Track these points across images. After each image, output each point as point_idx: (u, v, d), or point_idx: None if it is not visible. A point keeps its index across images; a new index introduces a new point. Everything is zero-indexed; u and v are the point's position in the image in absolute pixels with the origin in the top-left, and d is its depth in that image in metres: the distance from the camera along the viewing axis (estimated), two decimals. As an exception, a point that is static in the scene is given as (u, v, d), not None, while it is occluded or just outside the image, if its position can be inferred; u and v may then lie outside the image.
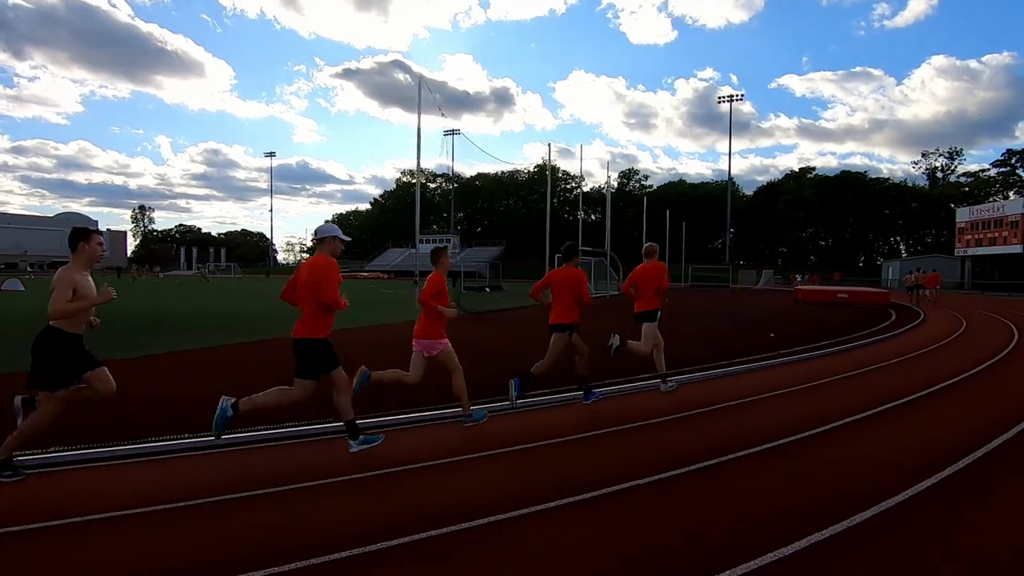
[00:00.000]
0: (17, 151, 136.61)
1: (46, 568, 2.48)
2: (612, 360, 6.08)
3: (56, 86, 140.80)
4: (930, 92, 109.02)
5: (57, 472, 3.58)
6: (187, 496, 3.21)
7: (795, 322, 15.04)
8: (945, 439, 4.53)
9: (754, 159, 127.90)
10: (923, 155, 73.48)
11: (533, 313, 17.10)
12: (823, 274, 50.96)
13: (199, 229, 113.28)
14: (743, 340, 10.71)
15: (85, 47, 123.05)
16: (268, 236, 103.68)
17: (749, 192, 77.90)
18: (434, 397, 5.30)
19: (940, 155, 71.63)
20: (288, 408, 4.14)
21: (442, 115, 36.43)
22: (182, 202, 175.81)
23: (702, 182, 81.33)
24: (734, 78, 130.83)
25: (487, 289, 31.30)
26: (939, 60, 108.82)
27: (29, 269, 49.50)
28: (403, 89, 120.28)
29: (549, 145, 20.23)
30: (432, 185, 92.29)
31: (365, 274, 61.92)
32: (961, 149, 71.90)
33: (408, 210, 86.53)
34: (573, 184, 79.60)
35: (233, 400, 3.68)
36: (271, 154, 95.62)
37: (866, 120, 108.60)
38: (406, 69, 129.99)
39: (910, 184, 69.52)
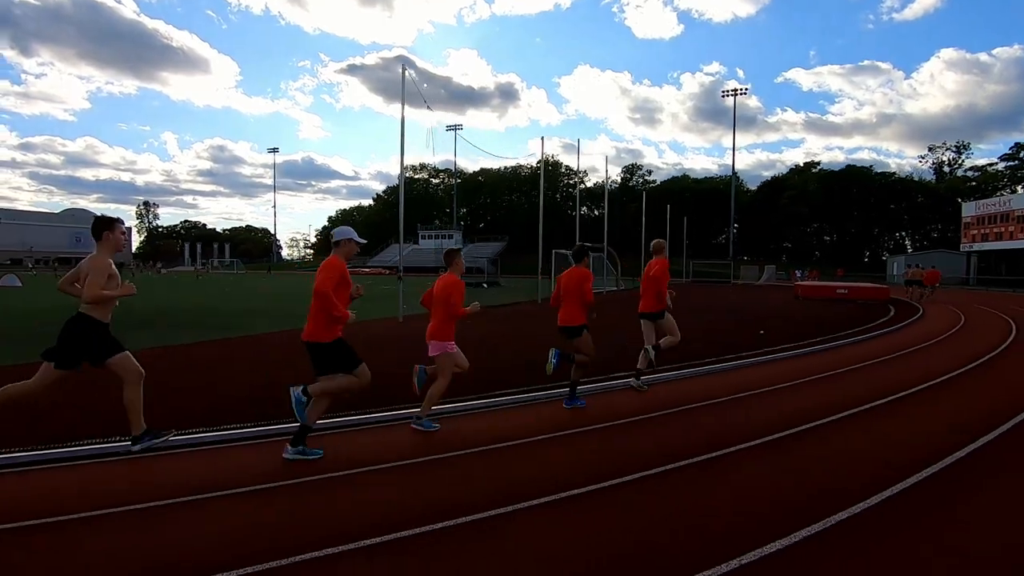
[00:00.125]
0: (25, 148, 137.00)
1: (46, 565, 2.50)
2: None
3: (63, 83, 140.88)
4: (939, 86, 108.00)
5: (52, 469, 3.62)
6: (173, 493, 3.25)
7: (794, 319, 15.01)
8: (939, 433, 4.53)
9: (760, 154, 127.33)
10: (930, 149, 72.95)
11: (531, 309, 17.15)
12: (827, 270, 50.73)
13: (204, 225, 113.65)
14: (742, 336, 10.70)
15: (92, 44, 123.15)
16: (272, 232, 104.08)
17: (755, 187, 77.55)
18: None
19: (947, 149, 71.07)
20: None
21: (428, 108, 35.98)
22: (188, 198, 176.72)
23: (705, 177, 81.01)
24: (740, 72, 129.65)
25: (484, 285, 31.32)
26: (948, 53, 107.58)
27: (31, 265, 49.62)
28: (408, 85, 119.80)
29: (542, 139, 20.26)
30: (435, 180, 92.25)
31: (367, 270, 62.04)
32: (968, 143, 71.45)
33: (412, 206, 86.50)
34: (576, 179, 79.38)
35: (303, 386, 3.75)
36: (274, 150, 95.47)
37: (874, 114, 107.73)
38: (410, 64, 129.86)
39: (916, 178, 69.07)
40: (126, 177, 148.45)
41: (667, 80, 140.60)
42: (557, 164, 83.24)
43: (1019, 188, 54.68)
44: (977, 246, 43.32)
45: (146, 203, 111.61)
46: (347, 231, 4.05)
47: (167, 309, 15.15)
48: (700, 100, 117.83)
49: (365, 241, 4.27)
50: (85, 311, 3.55)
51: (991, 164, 64.18)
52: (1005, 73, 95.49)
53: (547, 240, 21.39)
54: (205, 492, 3.23)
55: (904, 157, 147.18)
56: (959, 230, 46.69)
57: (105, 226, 3.67)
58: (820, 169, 71.84)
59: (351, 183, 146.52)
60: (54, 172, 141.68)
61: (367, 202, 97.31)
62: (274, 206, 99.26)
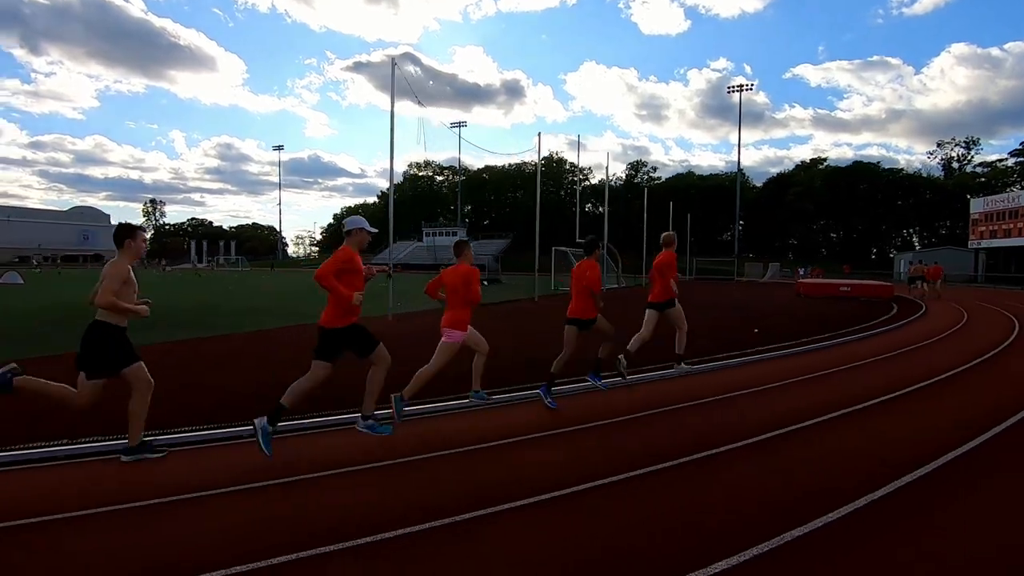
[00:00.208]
0: (35, 146, 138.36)
1: (47, 565, 2.49)
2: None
3: (72, 81, 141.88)
4: (950, 81, 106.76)
5: (52, 468, 3.63)
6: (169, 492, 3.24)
7: (796, 317, 14.90)
8: (941, 430, 4.47)
9: (768, 150, 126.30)
10: (938, 145, 72.15)
11: (529, 307, 17.09)
12: (833, 267, 50.35)
13: (211, 223, 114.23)
14: (744, 334, 10.61)
15: (100, 42, 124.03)
16: (280, 230, 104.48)
17: (762, 184, 76.99)
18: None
19: (956, 145, 70.28)
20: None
21: (419, 103, 35.54)
22: (196, 196, 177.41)
23: (711, 174, 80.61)
24: (748, 68, 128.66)
25: (485, 282, 31.30)
26: (959, 48, 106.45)
27: (35, 262, 49.89)
28: (414, 82, 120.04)
29: (539, 135, 20.05)
30: (439, 178, 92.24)
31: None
32: (978, 138, 70.36)
33: (416, 203, 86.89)
34: (581, 176, 79.16)
35: (264, 418, 3.72)
36: (279, 147, 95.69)
37: (883, 110, 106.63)
38: (416, 62, 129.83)
39: (925, 175, 68.37)
40: (134, 175, 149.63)
41: (674, 76, 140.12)
42: (562, 161, 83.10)
43: (1029, 184, 54.04)
44: (985, 243, 42.86)
45: (153, 201, 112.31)
46: (358, 220, 4.09)
47: (167, 309, 15.19)
48: (707, 96, 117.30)
49: (376, 230, 4.33)
50: (101, 318, 3.52)
51: (1001, 160, 63.45)
52: (1017, 68, 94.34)
53: (552, 237, 21.30)
54: (197, 491, 3.21)
55: (914, 153, 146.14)
56: (968, 227, 46.20)
57: (127, 233, 3.70)
58: (827, 165, 71.27)
59: (357, 180, 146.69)
60: (64, 170, 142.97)
61: (371, 199, 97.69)
62: (279, 203, 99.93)
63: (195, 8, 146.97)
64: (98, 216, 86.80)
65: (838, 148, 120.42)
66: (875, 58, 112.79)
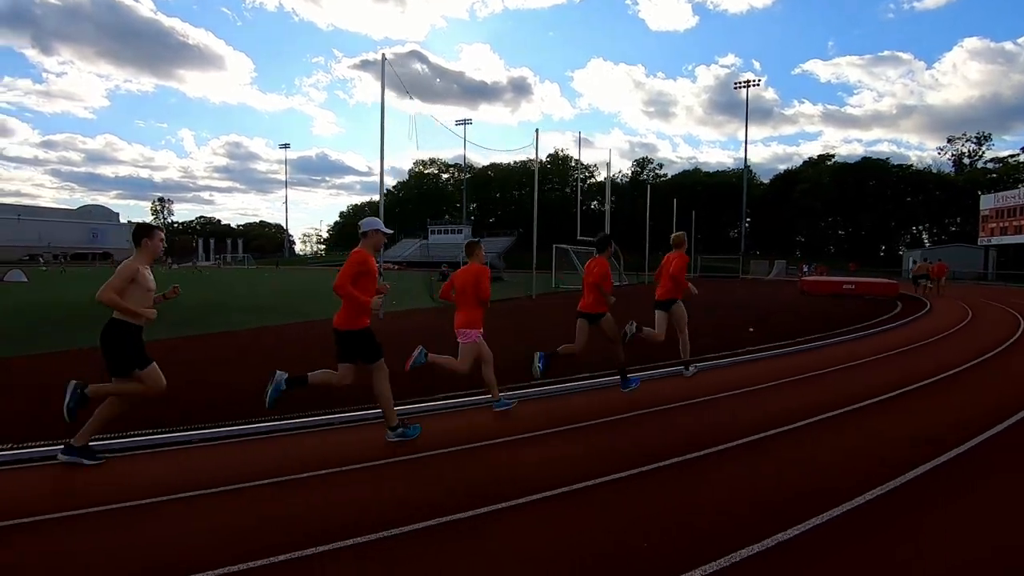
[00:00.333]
0: (47, 145, 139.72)
1: (47, 565, 2.50)
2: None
3: (83, 81, 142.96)
4: (962, 76, 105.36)
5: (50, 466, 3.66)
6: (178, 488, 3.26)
7: (799, 315, 14.81)
8: (943, 428, 4.42)
9: (777, 147, 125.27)
10: (949, 140, 71.31)
11: (528, 305, 17.06)
12: (841, 264, 49.93)
13: (219, 221, 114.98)
14: (746, 332, 10.56)
15: (110, 42, 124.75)
16: (286, 228, 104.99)
17: (769, 181, 76.40)
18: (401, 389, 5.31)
19: (967, 140, 69.41)
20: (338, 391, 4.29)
21: (410, 97, 35.63)
22: (205, 194, 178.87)
23: (717, 171, 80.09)
24: (757, 64, 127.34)
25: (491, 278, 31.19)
26: (972, 42, 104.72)
27: (41, 260, 50.04)
28: (420, 80, 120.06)
29: (537, 131, 19.89)
30: (445, 176, 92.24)
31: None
32: (990, 134, 69.40)
33: (421, 201, 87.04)
34: (587, 174, 78.98)
35: (287, 375, 3.90)
36: (285, 145, 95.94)
37: (894, 106, 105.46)
38: (423, 59, 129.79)
39: (935, 171, 67.51)
40: (144, 174, 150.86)
41: (682, 73, 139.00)
42: (567, 158, 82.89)
43: (1041, 180, 53.32)
44: (996, 240, 42.36)
45: (161, 199, 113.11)
46: (374, 222, 4.13)
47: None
48: (715, 93, 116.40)
49: (391, 231, 4.34)
50: (118, 316, 3.54)
51: (1013, 155, 62.64)
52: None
53: (557, 235, 21.23)
54: (189, 490, 3.23)
55: (925, 149, 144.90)
56: (978, 224, 45.65)
57: (144, 233, 3.73)
58: (834, 162, 70.59)
59: (365, 178, 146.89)
60: (75, 169, 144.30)
61: (376, 197, 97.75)
62: (286, 202, 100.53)
63: (204, 7, 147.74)
64: (107, 215, 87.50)
65: (848, 144, 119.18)
66: (886, 53, 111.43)
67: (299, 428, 4.43)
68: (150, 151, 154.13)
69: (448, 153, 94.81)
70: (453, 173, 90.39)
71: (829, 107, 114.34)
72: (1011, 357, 7.96)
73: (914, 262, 25.22)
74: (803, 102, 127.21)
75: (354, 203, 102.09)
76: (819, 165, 70.36)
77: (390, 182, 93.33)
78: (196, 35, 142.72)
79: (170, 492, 3.19)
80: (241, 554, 2.51)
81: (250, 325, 10.87)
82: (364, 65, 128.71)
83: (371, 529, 2.75)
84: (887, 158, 68.06)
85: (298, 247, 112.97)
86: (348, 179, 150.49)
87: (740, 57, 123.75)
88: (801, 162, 75.20)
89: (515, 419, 4.78)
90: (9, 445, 3.85)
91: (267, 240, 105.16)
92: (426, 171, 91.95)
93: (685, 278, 6.33)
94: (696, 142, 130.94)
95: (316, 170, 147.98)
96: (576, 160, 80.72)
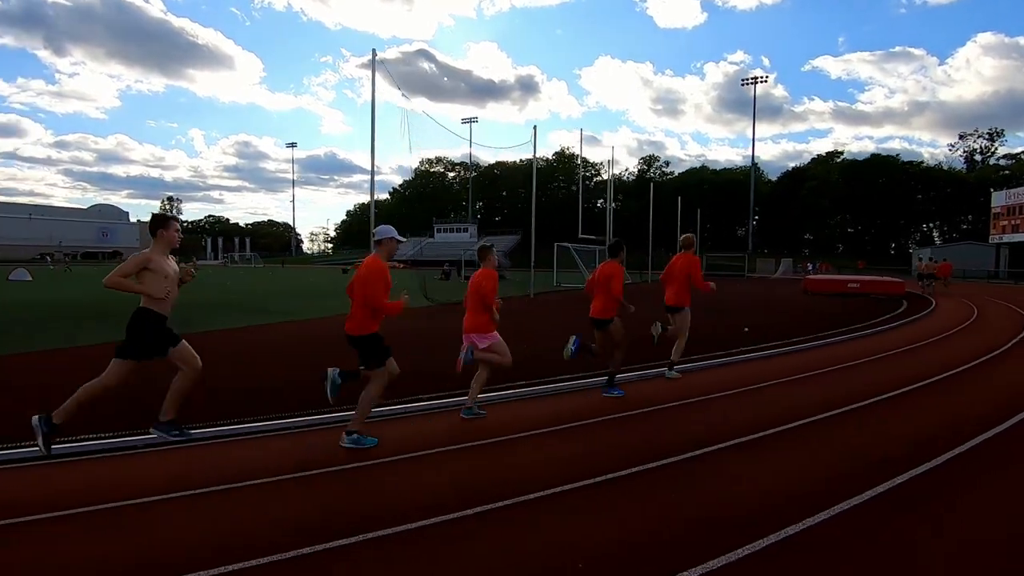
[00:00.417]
0: (60, 145, 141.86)
1: (47, 564, 2.47)
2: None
3: (95, 81, 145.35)
4: (976, 71, 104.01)
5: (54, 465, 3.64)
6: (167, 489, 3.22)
7: (797, 315, 14.60)
8: (944, 427, 4.30)
9: (786, 144, 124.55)
10: (961, 137, 70.26)
11: (525, 304, 16.96)
12: (849, 263, 49.34)
13: (227, 220, 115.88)
14: (736, 332, 10.40)
15: (121, 43, 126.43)
16: (293, 226, 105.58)
17: (776, 178, 75.62)
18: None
19: (979, 136, 68.34)
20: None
21: (403, 95, 35.35)
22: (215, 193, 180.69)
23: (724, 168, 79.44)
24: (766, 61, 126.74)
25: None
26: (986, 38, 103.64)
27: (49, 259, 50.35)
28: (428, 78, 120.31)
29: (535, 128, 19.73)
30: (451, 174, 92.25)
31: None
32: (1002, 130, 68.14)
33: (427, 200, 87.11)
34: (592, 171, 78.71)
35: (338, 370, 3.96)
36: (292, 145, 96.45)
37: (906, 102, 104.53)
38: (430, 58, 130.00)
39: (947, 167, 66.48)
40: (155, 173, 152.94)
41: (690, 70, 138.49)
42: (573, 157, 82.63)
43: (1055, 177, 52.34)
44: (1008, 238, 41.64)
45: (170, 198, 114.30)
46: (389, 230, 4.16)
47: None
48: (724, 90, 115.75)
49: (405, 240, 4.40)
50: (144, 304, 3.64)
51: (1027, 152, 61.51)
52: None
53: (563, 233, 21.08)
54: (186, 490, 3.19)
55: (938, 146, 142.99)
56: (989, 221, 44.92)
57: (160, 224, 3.78)
58: (843, 159, 69.72)
59: (374, 177, 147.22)
60: (87, 169, 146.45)
61: (383, 196, 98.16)
62: (292, 200, 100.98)
63: (213, 7, 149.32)
64: (117, 214, 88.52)
65: (859, 142, 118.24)
66: (897, 49, 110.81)
67: (285, 429, 4.37)
68: (161, 151, 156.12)
69: (455, 152, 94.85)
70: (459, 172, 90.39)
71: (840, 104, 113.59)
72: (1013, 358, 7.74)
73: (919, 260, 24.88)
74: (813, 99, 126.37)
75: (361, 201, 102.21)
76: (828, 162, 69.50)
77: (397, 180, 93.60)
78: (205, 35, 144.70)
79: (162, 492, 3.15)
80: (241, 552, 2.49)
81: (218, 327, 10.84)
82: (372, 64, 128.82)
83: (355, 531, 2.72)
84: (897, 155, 67.16)
85: (306, 246, 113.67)
86: (356, 178, 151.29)
87: (749, 54, 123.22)
88: (810, 159, 74.43)
89: (512, 419, 4.71)
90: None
91: (274, 239, 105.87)
92: (432, 170, 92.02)
93: (702, 278, 6.43)
94: (705, 140, 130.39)
95: (325, 169, 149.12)
96: (582, 158, 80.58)
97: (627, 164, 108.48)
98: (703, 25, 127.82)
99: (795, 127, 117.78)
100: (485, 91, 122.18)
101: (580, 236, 23.84)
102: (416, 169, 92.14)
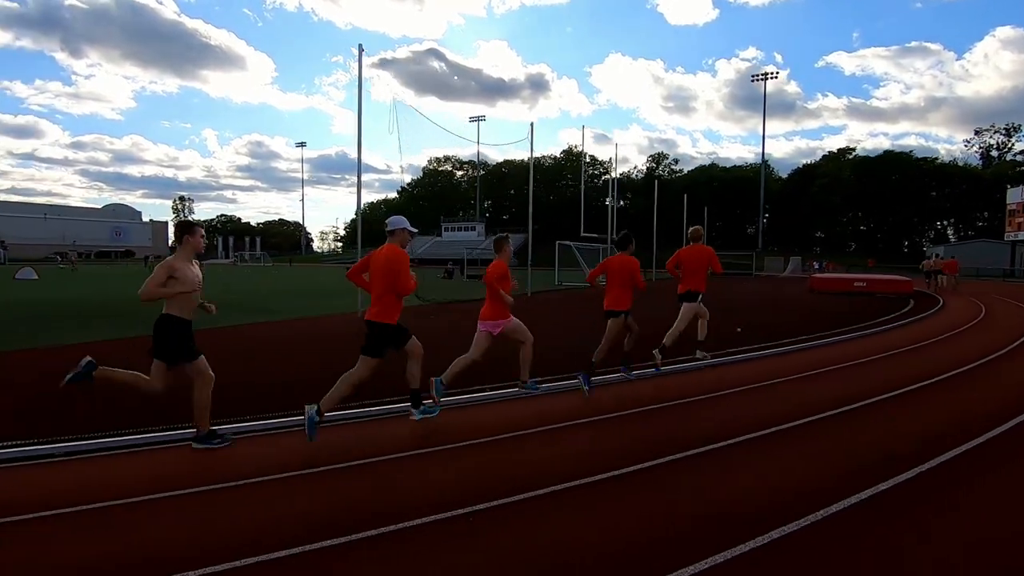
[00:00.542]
0: (76, 146, 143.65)
1: (46, 564, 2.46)
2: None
3: (110, 83, 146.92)
4: (994, 66, 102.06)
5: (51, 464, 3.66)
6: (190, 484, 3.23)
7: (806, 311, 14.41)
8: (947, 425, 4.24)
9: (799, 141, 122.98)
10: (976, 132, 68.98)
11: (527, 303, 16.89)
12: (860, 261, 48.67)
13: (239, 219, 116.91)
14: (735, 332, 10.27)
15: (135, 44, 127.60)
16: (303, 225, 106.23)
17: (787, 175, 74.72)
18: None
19: (996, 132, 67.05)
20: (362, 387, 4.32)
21: (394, 98, 35.08)
22: (228, 193, 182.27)
23: (734, 166, 78.69)
24: (779, 57, 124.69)
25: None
26: (1005, 31, 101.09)
27: (59, 258, 50.82)
28: (438, 77, 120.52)
29: (532, 125, 19.75)
30: (459, 173, 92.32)
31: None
32: (1020, 125, 66.72)
33: (435, 198, 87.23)
34: (601, 169, 78.34)
35: (316, 406, 3.89)
36: (302, 144, 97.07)
37: (922, 98, 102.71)
38: (440, 57, 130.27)
39: (962, 164, 65.31)
40: (169, 173, 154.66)
41: (701, 67, 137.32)
42: (581, 155, 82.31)
43: (1074, 173, 51.17)
44: (1023, 235, 40.80)
45: (181, 198, 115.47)
46: (400, 220, 4.30)
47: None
48: (736, 87, 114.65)
49: (416, 231, 4.53)
50: (167, 310, 3.72)
51: (1044, 147, 60.21)
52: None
53: (568, 232, 20.99)
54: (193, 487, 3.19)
55: (955, 143, 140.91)
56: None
57: (185, 230, 3.90)
58: (855, 155, 68.69)
59: (383, 176, 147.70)
60: (103, 169, 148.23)
61: (392, 195, 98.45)
62: (302, 199, 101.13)
63: (225, 8, 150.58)
64: (130, 213, 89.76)
65: (874, 138, 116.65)
66: (913, 44, 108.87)
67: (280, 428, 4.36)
68: (175, 151, 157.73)
69: (464, 151, 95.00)
70: (467, 170, 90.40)
71: (854, 100, 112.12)
72: (1019, 356, 7.57)
73: (927, 258, 24.52)
74: (827, 95, 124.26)
75: (370, 200, 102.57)
76: (839, 159, 68.49)
77: (406, 179, 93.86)
78: (218, 36, 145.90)
79: (156, 492, 3.15)
80: (240, 551, 2.50)
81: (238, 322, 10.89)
82: (383, 64, 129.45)
83: (361, 527, 2.72)
84: (911, 151, 66.02)
85: (316, 244, 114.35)
86: (367, 177, 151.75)
87: (761, 50, 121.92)
88: (822, 156, 73.45)
89: (518, 416, 4.70)
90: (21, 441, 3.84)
91: (285, 238, 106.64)
92: (440, 168, 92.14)
93: (720, 265, 6.54)
94: (716, 137, 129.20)
95: (336, 168, 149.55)
96: (591, 156, 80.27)
97: (636, 161, 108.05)
98: (714, 22, 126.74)
99: (809, 124, 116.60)
100: (495, 90, 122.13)
101: (582, 234, 23.72)
102: (425, 168, 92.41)
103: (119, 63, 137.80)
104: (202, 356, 3.81)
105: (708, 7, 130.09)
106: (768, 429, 4.28)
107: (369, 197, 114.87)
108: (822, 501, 2.98)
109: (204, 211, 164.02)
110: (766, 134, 61.25)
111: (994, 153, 66.63)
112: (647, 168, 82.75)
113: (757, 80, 67.15)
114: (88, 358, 3.74)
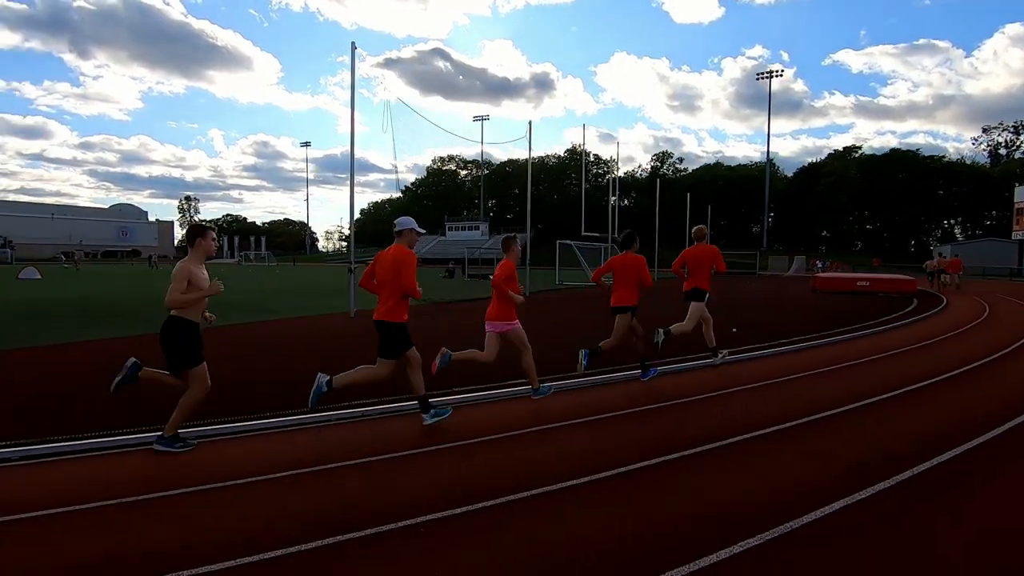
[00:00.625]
0: (84, 147, 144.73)
1: (46, 564, 2.46)
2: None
3: (117, 83, 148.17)
4: (1003, 64, 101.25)
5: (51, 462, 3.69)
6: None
7: (808, 311, 14.34)
8: (948, 425, 4.24)
9: (806, 140, 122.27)
10: (984, 130, 68.43)
11: (526, 303, 16.85)
12: (865, 260, 48.36)
13: (244, 219, 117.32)
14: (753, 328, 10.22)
15: (142, 45, 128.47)
16: (308, 225, 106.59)
17: (792, 174, 74.29)
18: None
19: (1004, 130, 66.48)
20: (375, 386, 4.45)
21: (389, 98, 35.39)
22: (235, 193, 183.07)
23: (739, 164, 78.34)
24: (785, 55, 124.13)
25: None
26: (1014, 28, 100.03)
27: (63, 258, 50.84)
28: (443, 77, 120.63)
29: (530, 123, 19.72)
30: (463, 172, 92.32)
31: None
32: (1029, 123, 66.18)
33: (439, 198, 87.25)
34: (605, 169, 78.18)
35: (328, 377, 4.04)
36: (306, 144, 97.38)
37: (930, 96, 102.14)
38: (445, 56, 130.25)
39: (970, 162, 64.75)
40: (176, 173, 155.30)
41: (707, 66, 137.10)
42: (585, 153, 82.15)
43: (1083, 171, 50.65)
44: (1031, 234, 40.45)
45: (187, 198, 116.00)
46: (408, 221, 4.32)
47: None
48: (742, 86, 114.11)
49: (424, 231, 4.58)
50: (175, 313, 3.72)
51: (1053, 146, 59.65)
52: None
53: (572, 231, 20.96)
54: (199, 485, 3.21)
55: (963, 141, 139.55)
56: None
57: (198, 233, 3.90)
58: (861, 154, 68.25)
59: (388, 176, 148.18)
60: (111, 169, 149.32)
61: (396, 195, 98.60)
62: (306, 199, 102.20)
63: (232, 9, 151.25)
64: (136, 213, 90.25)
65: (881, 136, 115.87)
66: (921, 41, 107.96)
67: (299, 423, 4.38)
68: (182, 151, 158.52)
69: (467, 150, 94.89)
70: (471, 170, 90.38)
71: (861, 98, 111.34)
72: (1015, 361, 7.50)
73: (931, 258, 24.36)
74: (834, 93, 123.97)
75: (375, 200, 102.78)
76: (845, 157, 68.07)
77: (411, 179, 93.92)
78: (224, 37, 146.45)
79: (153, 491, 3.16)
80: (236, 550, 2.50)
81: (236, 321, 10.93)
82: (388, 63, 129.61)
83: (370, 524, 2.73)
84: (918, 149, 65.52)
85: (321, 244, 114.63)
86: (372, 176, 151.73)
87: (768, 48, 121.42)
88: (827, 154, 73.00)
89: (522, 415, 4.72)
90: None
91: (290, 237, 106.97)
92: (444, 168, 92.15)
93: (724, 264, 6.64)
94: (722, 136, 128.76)
95: (342, 168, 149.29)
96: (595, 155, 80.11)
97: (642, 159, 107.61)
98: (720, 20, 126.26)
99: (815, 122, 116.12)
100: (500, 89, 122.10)
101: (583, 233, 23.66)
102: (428, 167, 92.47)
103: (127, 64, 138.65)
104: (204, 363, 3.82)
105: (714, 5, 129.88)
106: (768, 429, 4.26)
107: (374, 197, 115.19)
108: (822, 500, 2.98)
109: (210, 211, 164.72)
110: (772, 133, 61.10)
111: (1002, 151, 66.13)
112: (651, 167, 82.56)
113: (763, 78, 66.88)
114: (133, 359, 3.75)
